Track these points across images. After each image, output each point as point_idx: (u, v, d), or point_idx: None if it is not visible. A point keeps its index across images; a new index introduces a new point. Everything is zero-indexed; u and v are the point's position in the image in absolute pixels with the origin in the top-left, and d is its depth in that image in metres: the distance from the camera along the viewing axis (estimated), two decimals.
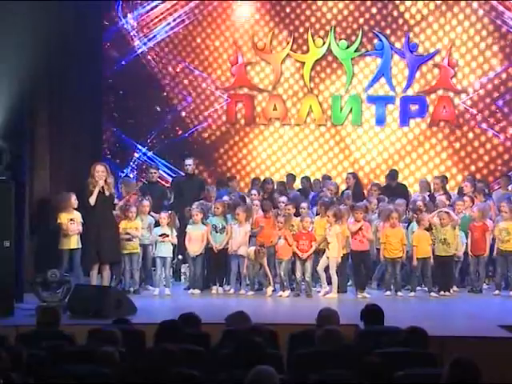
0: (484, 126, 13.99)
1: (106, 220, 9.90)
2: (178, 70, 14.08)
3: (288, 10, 14.03)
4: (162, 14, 13.91)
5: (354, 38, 13.98)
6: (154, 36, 13.98)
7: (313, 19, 13.98)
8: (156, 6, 13.89)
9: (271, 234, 10.45)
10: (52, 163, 10.93)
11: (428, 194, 11.78)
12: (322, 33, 14.01)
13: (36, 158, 10.65)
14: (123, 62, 13.96)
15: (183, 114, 14.16)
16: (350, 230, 10.39)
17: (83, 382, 4.74)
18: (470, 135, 14.04)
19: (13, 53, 9.16)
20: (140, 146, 14.03)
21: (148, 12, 13.88)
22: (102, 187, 9.74)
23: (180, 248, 10.93)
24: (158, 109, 14.14)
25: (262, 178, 12.82)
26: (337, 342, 5.36)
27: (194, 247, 10.48)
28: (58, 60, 10.83)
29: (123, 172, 13.80)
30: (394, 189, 12.10)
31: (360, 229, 10.40)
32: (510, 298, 10.31)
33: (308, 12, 14.00)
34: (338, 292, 10.27)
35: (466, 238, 10.70)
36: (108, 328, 5.93)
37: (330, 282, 10.33)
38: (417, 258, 10.40)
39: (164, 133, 14.14)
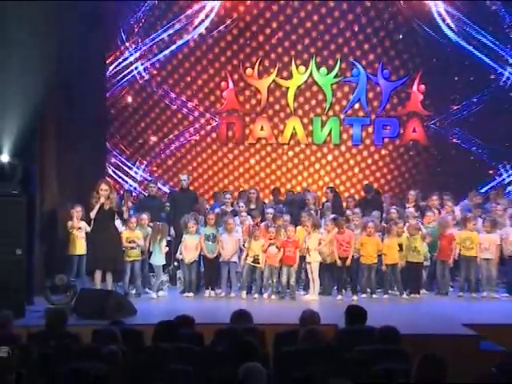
0: (451, 145, 14.15)
1: (107, 231, 9.80)
2: (174, 95, 14.11)
3: (277, 48, 14.13)
4: (162, 44, 13.95)
5: (333, 65, 14.11)
6: (154, 64, 14.01)
7: (298, 48, 14.10)
8: (156, 38, 13.92)
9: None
10: (59, 178, 10.90)
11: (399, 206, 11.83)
12: (304, 61, 14.14)
13: (45, 173, 10.63)
14: (125, 88, 13.98)
15: (179, 134, 14.18)
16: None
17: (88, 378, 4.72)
18: (438, 153, 14.19)
19: (24, 79, 9.16)
20: (138, 165, 14.05)
21: (149, 43, 13.91)
22: (102, 203, 9.70)
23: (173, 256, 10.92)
24: (157, 129, 14.17)
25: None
26: (318, 340, 5.34)
27: (189, 255, 10.46)
28: (65, 85, 10.84)
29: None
30: (369, 201, 12.14)
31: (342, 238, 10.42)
32: (472, 299, 10.37)
33: (292, 43, 14.11)
34: (324, 294, 10.32)
35: (435, 246, 10.77)
36: (109, 328, 5.88)
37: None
38: (386, 264, 10.46)
39: (162, 150, 14.16)
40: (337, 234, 10.39)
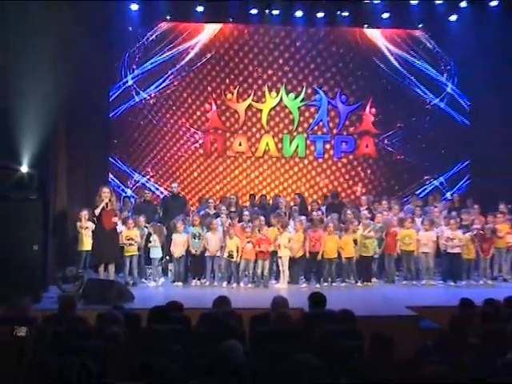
0: (396, 158, 14.29)
1: (108, 230, 9.73)
2: (166, 116, 14.06)
3: (252, 78, 14.15)
4: (157, 72, 13.90)
5: (299, 91, 14.18)
6: (150, 90, 13.95)
7: (268, 84, 14.15)
8: (152, 66, 13.87)
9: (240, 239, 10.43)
10: (69, 185, 10.82)
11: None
12: (276, 88, 14.19)
13: (57, 180, 10.53)
14: (126, 109, 13.90)
15: (170, 148, 14.13)
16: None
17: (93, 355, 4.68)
18: (386, 165, 14.33)
19: (40, 102, 9.11)
20: (137, 173, 13.98)
21: (145, 71, 13.85)
22: (106, 203, 9.63)
23: (168, 251, 10.86)
24: (151, 144, 14.10)
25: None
26: (287, 322, 5.36)
27: (178, 250, 10.44)
28: (75, 107, 10.76)
29: (125, 192, 13.72)
30: (336, 205, 12.18)
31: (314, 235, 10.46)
32: (413, 286, 10.48)
33: (264, 80, 14.15)
34: (292, 283, 10.30)
35: (381, 242, 10.85)
36: (112, 312, 5.83)
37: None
38: (345, 257, 10.52)
39: (155, 163, 14.10)
40: (311, 232, 10.45)
